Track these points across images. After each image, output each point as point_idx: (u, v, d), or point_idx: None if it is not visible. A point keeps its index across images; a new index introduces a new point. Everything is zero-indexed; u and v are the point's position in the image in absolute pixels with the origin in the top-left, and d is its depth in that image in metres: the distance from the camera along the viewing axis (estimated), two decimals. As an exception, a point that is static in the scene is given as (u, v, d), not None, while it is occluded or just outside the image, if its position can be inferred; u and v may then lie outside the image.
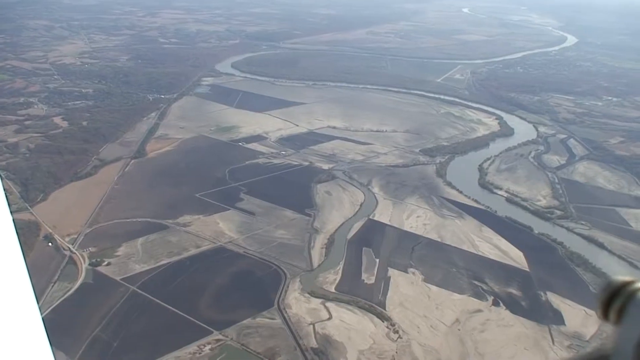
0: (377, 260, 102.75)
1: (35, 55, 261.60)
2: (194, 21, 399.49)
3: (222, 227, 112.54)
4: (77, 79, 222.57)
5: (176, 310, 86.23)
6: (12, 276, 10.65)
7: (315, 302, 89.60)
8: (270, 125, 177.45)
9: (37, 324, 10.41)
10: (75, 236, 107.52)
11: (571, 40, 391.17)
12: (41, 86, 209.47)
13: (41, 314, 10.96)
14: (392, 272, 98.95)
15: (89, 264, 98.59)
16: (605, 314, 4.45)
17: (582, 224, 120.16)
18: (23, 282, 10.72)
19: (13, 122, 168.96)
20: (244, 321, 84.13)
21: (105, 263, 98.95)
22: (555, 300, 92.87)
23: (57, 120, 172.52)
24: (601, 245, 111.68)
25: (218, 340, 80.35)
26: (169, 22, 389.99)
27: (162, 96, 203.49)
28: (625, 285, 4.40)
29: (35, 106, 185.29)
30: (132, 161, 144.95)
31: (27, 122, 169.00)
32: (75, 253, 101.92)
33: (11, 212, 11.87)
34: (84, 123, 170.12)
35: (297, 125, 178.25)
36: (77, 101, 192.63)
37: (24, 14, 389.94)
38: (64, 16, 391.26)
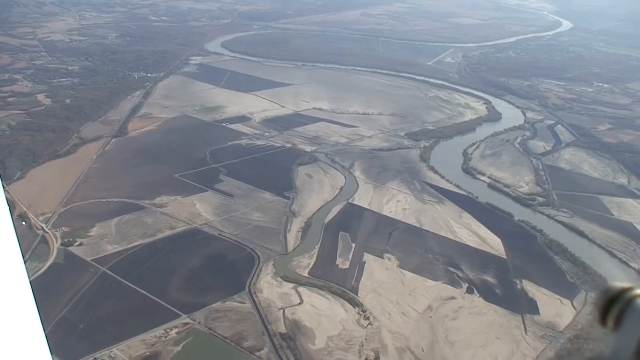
0: (353, 244, 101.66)
1: (23, 32, 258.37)
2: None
3: (199, 209, 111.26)
4: (64, 56, 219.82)
5: (145, 293, 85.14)
6: (11, 276, 10.85)
7: (287, 287, 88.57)
8: (256, 105, 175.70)
9: (35, 325, 10.38)
10: (50, 215, 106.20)
11: (566, 25, 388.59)
12: (27, 63, 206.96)
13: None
14: (368, 257, 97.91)
15: (61, 244, 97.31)
16: (602, 320, 4.16)
17: (563, 211, 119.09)
18: (22, 283, 10.94)
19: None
20: (214, 305, 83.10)
21: (77, 243, 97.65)
22: (531, 288, 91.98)
23: (41, 97, 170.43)
24: (582, 234, 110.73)
25: (186, 323, 79.34)
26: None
27: (149, 75, 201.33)
28: (623, 291, 4.12)
29: (20, 83, 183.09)
30: (113, 140, 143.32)
31: (10, 99, 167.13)
32: (47, 232, 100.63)
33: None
34: (67, 101, 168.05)
35: (283, 107, 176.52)
36: (63, 79, 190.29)
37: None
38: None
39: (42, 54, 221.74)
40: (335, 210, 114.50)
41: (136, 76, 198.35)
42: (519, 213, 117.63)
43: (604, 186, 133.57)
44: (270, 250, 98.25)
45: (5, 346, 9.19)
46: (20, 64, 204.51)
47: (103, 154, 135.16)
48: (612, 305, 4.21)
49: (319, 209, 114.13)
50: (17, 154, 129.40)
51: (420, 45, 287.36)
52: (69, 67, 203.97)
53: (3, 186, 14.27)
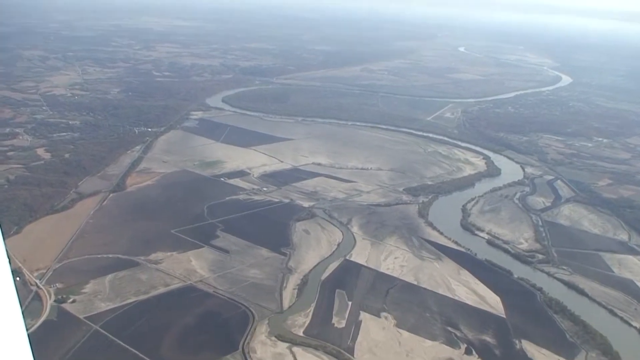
0: (350, 303, 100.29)
1: (26, 86, 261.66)
2: (189, 55, 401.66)
3: (195, 265, 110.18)
4: (65, 110, 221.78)
5: (137, 352, 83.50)
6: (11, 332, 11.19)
7: (282, 347, 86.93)
8: (255, 160, 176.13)
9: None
10: (44, 271, 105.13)
11: (566, 80, 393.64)
12: (28, 117, 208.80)
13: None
14: (364, 316, 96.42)
15: (55, 301, 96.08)
16: None
17: (563, 268, 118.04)
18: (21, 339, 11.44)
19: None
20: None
21: (71, 300, 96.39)
22: (530, 349, 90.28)
23: (40, 151, 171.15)
24: (582, 292, 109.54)
25: (177, 384, 77.58)
26: (164, 55, 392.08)
27: (149, 129, 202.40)
28: None
29: (20, 137, 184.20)
30: (111, 195, 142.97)
31: (9, 153, 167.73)
32: (41, 289, 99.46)
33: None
34: (67, 155, 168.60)
35: (282, 162, 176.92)
36: (63, 133, 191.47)
37: (21, 44, 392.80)
38: (60, 47, 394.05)
39: (44, 108, 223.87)
40: (332, 267, 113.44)
41: (137, 131, 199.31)
42: (519, 270, 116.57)
43: (605, 243, 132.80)
44: (265, 309, 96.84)
45: None
46: (21, 118, 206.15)
47: (100, 209, 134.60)
48: None
49: (315, 266, 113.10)
50: (14, 208, 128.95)
51: (419, 101, 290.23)
52: (70, 122, 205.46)
53: (4, 242, 14.36)
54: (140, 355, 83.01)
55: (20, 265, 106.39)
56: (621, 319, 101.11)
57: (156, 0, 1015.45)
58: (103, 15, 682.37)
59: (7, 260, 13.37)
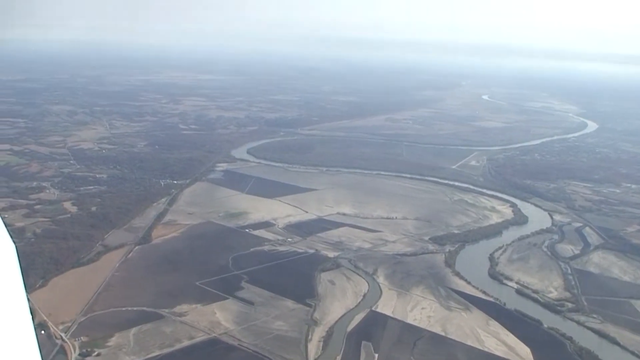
0: (376, 355, 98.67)
1: (54, 140, 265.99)
2: (215, 108, 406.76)
3: (219, 317, 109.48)
4: (92, 164, 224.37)
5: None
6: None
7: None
8: (280, 211, 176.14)
9: None
10: (69, 324, 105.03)
11: (591, 126, 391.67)
12: (55, 171, 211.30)
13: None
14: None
15: (79, 354, 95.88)
16: None
17: (594, 317, 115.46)
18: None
19: (23, 206, 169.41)
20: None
21: (95, 354, 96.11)
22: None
23: (67, 205, 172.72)
24: (613, 340, 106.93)
25: None
26: (190, 108, 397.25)
27: (175, 182, 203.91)
28: None
29: (47, 191, 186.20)
30: (136, 247, 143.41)
31: (36, 207, 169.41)
32: (66, 342, 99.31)
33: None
34: (93, 208, 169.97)
35: (307, 212, 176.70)
36: (90, 186, 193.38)
37: (49, 99, 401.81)
38: (88, 102, 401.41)
39: (71, 162, 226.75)
40: (357, 318, 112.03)
41: (162, 183, 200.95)
42: (548, 320, 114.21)
43: (636, 290, 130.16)
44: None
45: None
46: (48, 172, 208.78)
47: (126, 262, 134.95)
48: None
49: (341, 317, 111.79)
50: (40, 262, 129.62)
51: (444, 149, 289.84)
52: (97, 175, 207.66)
53: (28, 299, 14.39)
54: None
55: (45, 318, 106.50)
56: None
57: (182, 55, 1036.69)
58: (131, 70, 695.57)
59: (30, 314, 13.28)
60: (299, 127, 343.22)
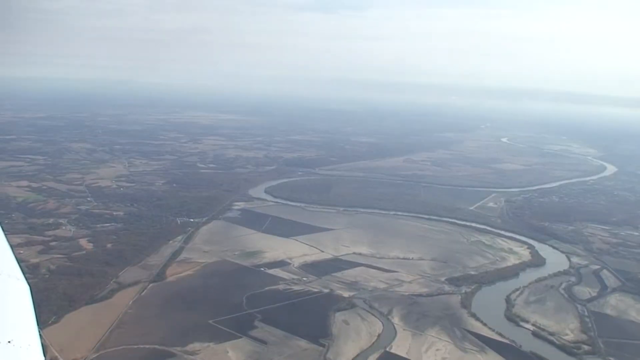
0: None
1: (72, 177, 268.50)
2: (234, 147, 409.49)
3: (231, 356, 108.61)
4: (110, 201, 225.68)
5: None
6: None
7: None
8: (296, 250, 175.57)
9: None
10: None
11: (610, 169, 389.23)
12: (73, 208, 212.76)
13: None
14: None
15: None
16: None
17: (610, 359, 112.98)
18: None
19: (39, 242, 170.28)
20: None
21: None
22: None
23: (83, 242, 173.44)
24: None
25: None
26: (209, 148, 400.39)
27: (192, 220, 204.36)
28: None
29: (64, 227, 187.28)
30: (150, 285, 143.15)
31: (52, 243, 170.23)
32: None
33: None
34: (109, 245, 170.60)
35: (323, 252, 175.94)
36: (107, 224, 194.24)
37: (69, 137, 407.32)
38: (107, 140, 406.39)
39: (89, 199, 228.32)
40: (371, 359, 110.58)
41: (179, 221, 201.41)
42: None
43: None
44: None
45: None
46: (65, 209, 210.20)
47: (139, 299, 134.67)
48: None
49: (355, 357, 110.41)
50: (54, 298, 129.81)
51: (462, 191, 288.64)
52: (114, 213, 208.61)
53: (40, 335, 14.56)
54: None
55: (57, 354, 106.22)
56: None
57: (203, 96, 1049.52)
58: (151, 110, 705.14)
59: (42, 350, 13.70)
60: (318, 167, 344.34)
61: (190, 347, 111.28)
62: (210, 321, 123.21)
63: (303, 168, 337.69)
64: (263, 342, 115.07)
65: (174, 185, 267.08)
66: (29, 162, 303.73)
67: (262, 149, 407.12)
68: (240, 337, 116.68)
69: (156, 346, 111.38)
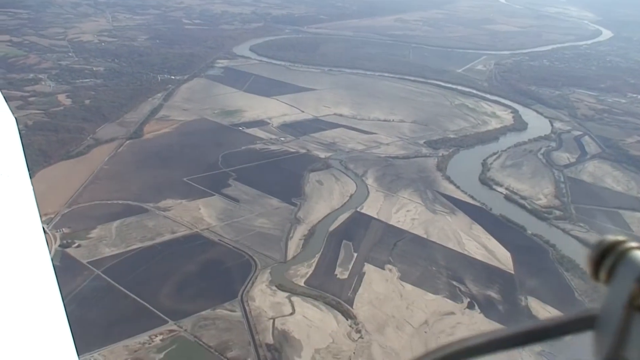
0: (355, 254, 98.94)
1: (54, 32, 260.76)
2: (221, 2, 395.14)
3: (203, 213, 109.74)
4: (91, 57, 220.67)
5: (136, 298, 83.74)
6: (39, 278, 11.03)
7: (281, 296, 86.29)
8: (276, 110, 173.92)
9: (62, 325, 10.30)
10: (52, 216, 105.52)
11: (606, 34, 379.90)
12: (53, 63, 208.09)
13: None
14: (368, 268, 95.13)
15: (59, 245, 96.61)
16: (595, 274, 3.74)
17: (580, 225, 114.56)
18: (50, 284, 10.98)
19: (18, 98, 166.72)
20: (203, 312, 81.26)
21: (76, 245, 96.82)
22: (536, 306, 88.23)
23: (61, 97, 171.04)
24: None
25: (172, 330, 77.68)
26: (196, 2, 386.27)
27: (173, 77, 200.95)
28: (616, 244, 3.76)
29: (43, 83, 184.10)
30: (127, 142, 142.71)
31: (31, 99, 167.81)
32: (48, 233, 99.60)
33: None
34: (87, 102, 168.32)
35: (303, 112, 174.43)
36: (86, 79, 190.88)
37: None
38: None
39: (70, 54, 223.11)
40: (341, 218, 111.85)
41: (159, 78, 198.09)
42: (534, 227, 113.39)
43: (626, 200, 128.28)
44: (269, 258, 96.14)
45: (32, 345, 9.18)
46: (46, 64, 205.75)
47: (115, 156, 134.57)
48: (605, 258, 3.56)
49: (325, 217, 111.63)
50: (29, 153, 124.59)
51: (452, 53, 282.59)
52: (94, 68, 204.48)
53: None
54: (140, 301, 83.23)
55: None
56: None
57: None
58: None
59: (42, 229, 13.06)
60: (306, 25, 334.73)
61: (163, 203, 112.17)
62: (185, 178, 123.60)
63: (291, 26, 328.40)
64: (235, 200, 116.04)
65: (157, 41, 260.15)
66: (11, 16, 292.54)
67: (250, 5, 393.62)
68: (213, 195, 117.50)
69: (129, 202, 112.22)
